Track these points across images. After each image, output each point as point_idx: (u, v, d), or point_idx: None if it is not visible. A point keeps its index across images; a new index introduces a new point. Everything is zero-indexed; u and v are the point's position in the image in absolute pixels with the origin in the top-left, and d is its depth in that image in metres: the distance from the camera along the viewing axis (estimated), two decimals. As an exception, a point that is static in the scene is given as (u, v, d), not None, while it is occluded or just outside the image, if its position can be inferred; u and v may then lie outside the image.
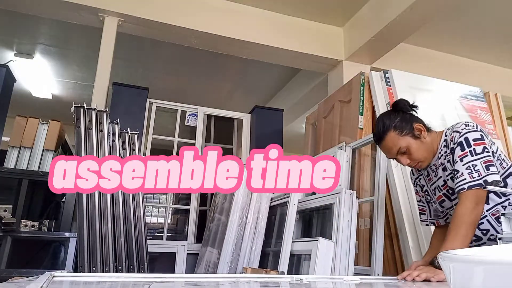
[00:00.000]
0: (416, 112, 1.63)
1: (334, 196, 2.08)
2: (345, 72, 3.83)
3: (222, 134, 3.72)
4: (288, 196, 2.26)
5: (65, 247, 2.34)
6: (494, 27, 3.86)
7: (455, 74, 4.04)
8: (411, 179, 1.82)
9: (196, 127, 3.46)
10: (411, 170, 1.79)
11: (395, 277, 1.44)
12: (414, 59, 4.11)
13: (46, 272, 1.10)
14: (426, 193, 1.72)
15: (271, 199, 2.44)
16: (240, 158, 3.55)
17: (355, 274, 1.89)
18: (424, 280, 1.30)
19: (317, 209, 2.29)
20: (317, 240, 1.91)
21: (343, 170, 2.44)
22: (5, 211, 2.21)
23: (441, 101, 2.71)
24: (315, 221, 2.31)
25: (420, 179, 1.73)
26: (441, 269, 1.26)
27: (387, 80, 2.67)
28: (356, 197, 2.03)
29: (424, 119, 1.65)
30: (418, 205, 1.80)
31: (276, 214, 2.40)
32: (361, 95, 2.72)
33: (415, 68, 3.55)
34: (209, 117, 3.61)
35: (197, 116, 3.49)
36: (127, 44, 4.01)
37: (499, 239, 1.31)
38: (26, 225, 2.31)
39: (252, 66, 4.62)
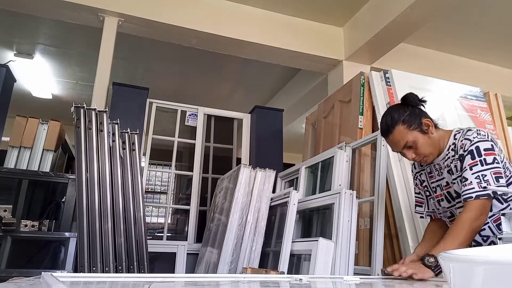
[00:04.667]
0: (424, 106, 1.63)
1: (334, 196, 2.08)
2: (345, 72, 3.83)
3: (222, 134, 3.71)
4: (288, 196, 2.26)
5: (65, 247, 2.34)
6: (494, 27, 3.86)
7: (455, 74, 4.04)
8: (412, 172, 1.83)
9: (196, 127, 3.46)
10: (413, 163, 1.79)
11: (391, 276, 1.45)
12: (414, 59, 4.10)
13: (44, 273, 1.10)
14: (426, 188, 1.73)
15: (271, 199, 2.44)
16: (240, 159, 3.56)
17: (355, 274, 1.89)
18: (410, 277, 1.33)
19: (317, 209, 2.28)
20: (317, 240, 1.91)
21: (343, 170, 2.44)
22: (5, 211, 2.21)
23: (441, 101, 2.71)
24: (315, 221, 2.31)
25: (421, 174, 1.74)
26: (429, 268, 1.30)
27: (387, 80, 2.67)
28: (356, 197, 2.03)
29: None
30: (416, 197, 1.81)
31: (276, 214, 2.40)
32: (361, 95, 2.72)
33: (415, 68, 3.55)
34: (209, 117, 3.61)
35: (197, 116, 3.49)
36: (127, 44, 4.01)
37: (499, 239, 1.31)
38: (26, 225, 2.31)
39: (252, 66, 4.62)
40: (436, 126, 1.61)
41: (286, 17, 3.84)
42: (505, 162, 1.55)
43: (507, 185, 1.52)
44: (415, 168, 1.79)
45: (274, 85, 5.40)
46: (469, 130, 1.54)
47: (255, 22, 3.73)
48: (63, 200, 2.61)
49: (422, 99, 1.62)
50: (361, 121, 2.66)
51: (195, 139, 3.43)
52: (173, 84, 5.41)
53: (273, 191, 2.61)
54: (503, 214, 1.34)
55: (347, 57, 3.87)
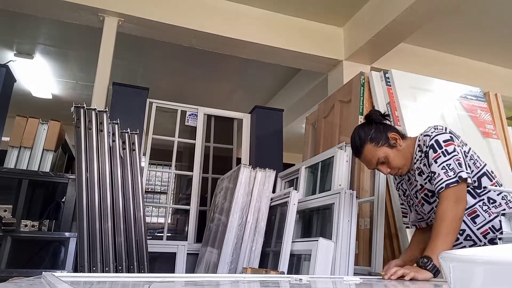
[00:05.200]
0: (389, 121, 1.68)
1: (334, 196, 2.08)
2: (345, 72, 3.83)
3: (222, 134, 3.72)
4: (288, 196, 2.26)
5: (65, 247, 2.34)
6: (494, 27, 3.86)
7: (455, 74, 4.04)
8: (394, 184, 1.86)
9: (196, 127, 3.46)
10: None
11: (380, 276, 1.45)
12: (414, 59, 4.11)
13: (44, 273, 1.10)
14: (409, 197, 1.75)
15: (271, 199, 2.44)
16: (240, 159, 3.56)
17: (355, 274, 1.89)
18: (411, 279, 1.33)
19: (317, 209, 2.28)
20: (317, 240, 1.91)
21: (343, 170, 2.44)
22: (5, 211, 2.21)
23: (441, 101, 2.71)
24: (315, 221, 2.31)
25: (402, 183, 1.77)
26: (425, 269, 1.31)
27: (387, 80, 2.67)
28: (356, 197, 2.03)
29: (414, 122, 1.67)
30: (401, 208, 1.85)
31: (276, 214, 2.40)
32: (361, 95, 2.72)
33: (415, 68, 3.55)
34: (209, 117, 3.61)
35: (197, 116, 3.49)
36: (127, 44, 4.01)
37: (499, 239, 1.31)
38: (26, 225, 2.31)
39: (252, 66, 4.62)
40: (403, 137, 1.65)
41: (286, 17, 3.84)
42: (472, 154, 1.58)
43: (479, 177, 1.56)
44: (395, 179, 1.82)
45: (274, 85, 5.40)
46: (428, 127, 1.59)
47: (255, 22, 3.73)
48: (63, 200, 2.61)
49: (385, 114, 1.67)
50: (361, 121, 2.66)
51: (195, 139, 3.43)
52: (173, 84, 5.41)
53: (273, 191, 2.61)
54: (503, 214, 1.34)
55: (347, 57, 3.87)
